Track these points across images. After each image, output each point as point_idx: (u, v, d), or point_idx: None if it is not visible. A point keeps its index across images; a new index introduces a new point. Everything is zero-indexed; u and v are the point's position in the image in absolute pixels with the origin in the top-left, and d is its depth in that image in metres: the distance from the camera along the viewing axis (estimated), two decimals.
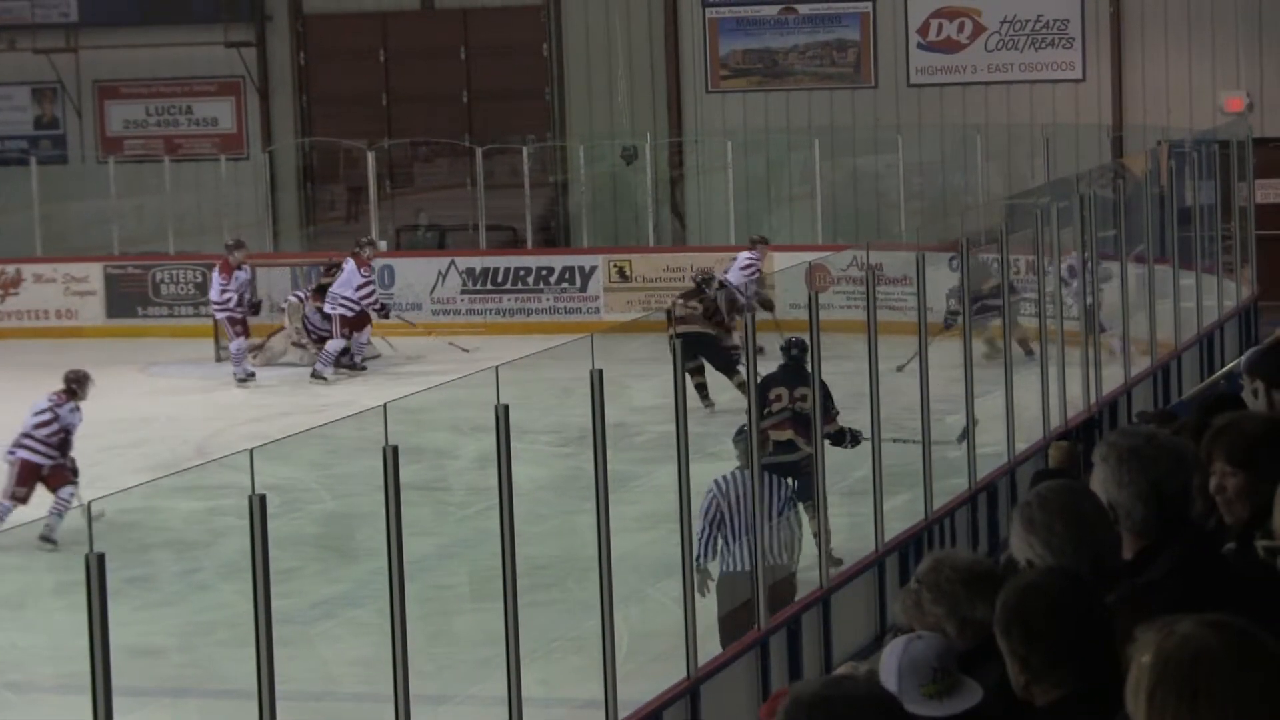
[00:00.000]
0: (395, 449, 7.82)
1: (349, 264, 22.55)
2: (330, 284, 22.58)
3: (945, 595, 4.80)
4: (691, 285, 20.65)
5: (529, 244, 26.09)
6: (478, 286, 25.10)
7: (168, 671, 12.00)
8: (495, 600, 8.76)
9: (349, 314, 22.34)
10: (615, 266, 24.95)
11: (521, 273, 25.09)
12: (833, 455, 12.48)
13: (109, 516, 13.64)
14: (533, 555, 10.42)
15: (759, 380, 12.20)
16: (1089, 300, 16.74)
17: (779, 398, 13.04)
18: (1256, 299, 21.44)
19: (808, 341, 12.18)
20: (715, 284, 20.49)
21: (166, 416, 20.02)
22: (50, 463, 15.19)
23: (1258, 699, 2.76)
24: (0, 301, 26.09)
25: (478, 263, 25.24)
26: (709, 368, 18.54)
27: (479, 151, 26.37)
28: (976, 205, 24.08)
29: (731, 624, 10.88)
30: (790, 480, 11.70)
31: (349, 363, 22.45)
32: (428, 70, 27.89)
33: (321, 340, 22.59)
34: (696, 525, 10.96)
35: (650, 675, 10.20)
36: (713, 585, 11.06)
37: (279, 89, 28.65)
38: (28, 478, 15.15)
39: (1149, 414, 12.59)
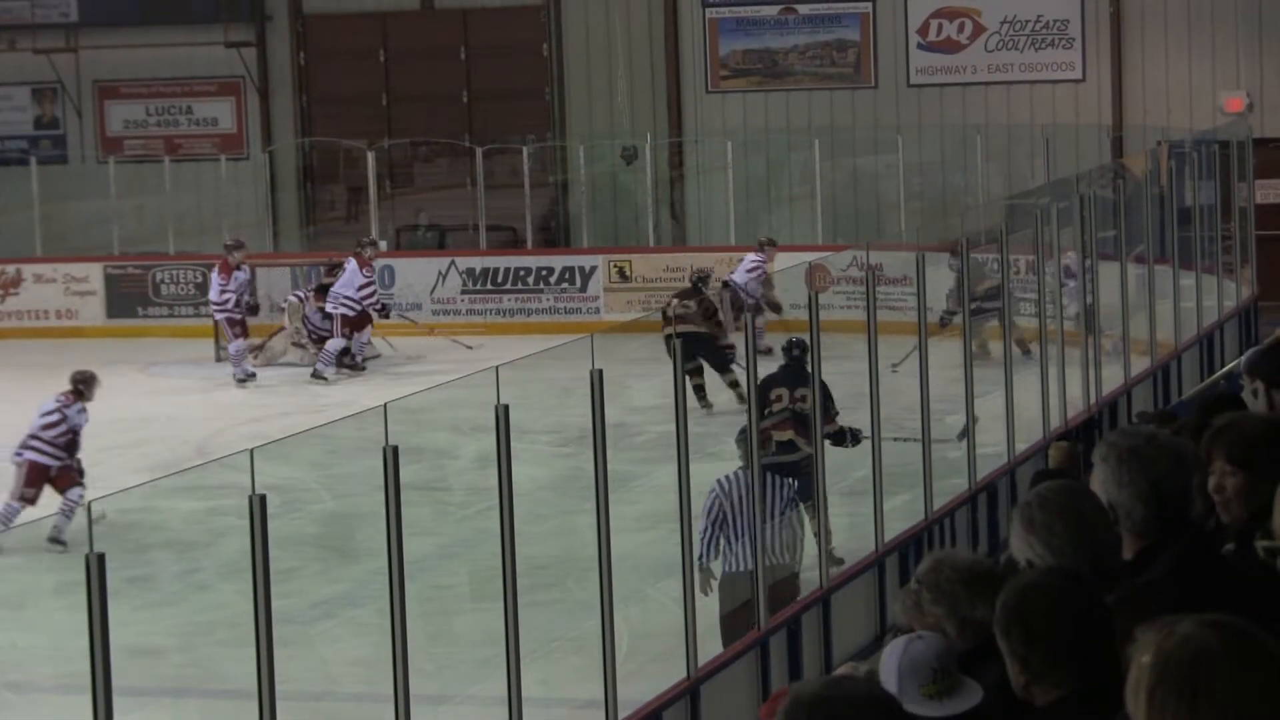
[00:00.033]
0: (395, 449, 7.83)
1: (351, 263, 22.56)
2: (333, 284, 22.59)
3: (945, 595, 4.80)
4: (688, 285, 20.67)
5: (529, 244, 26.09)
6: (478, 287, 25.10)
7: (168, 671, 12.00)
8: (495, 600, 8.76)
9: (351, 313, 22.35)
10: (615, 267, 24.96)
11: (521, 273, 25.09)
12: (833, 455, 12.48)
13: (110, 518, 13.66)
14: (533, 555, 10.42)
15: (760, 380, 12.21)
16: (1089, 300, 16.74)
17: (779, 398, 13.04)
18: (1256, 299, 21.44)
19: (808, 342, 12.18)
20: (719, 284, 20.50)
21: (166, 417, 20.02)
22: (58, 464, 15.16)
23: (1258, 699, 2.76)
24: (0, 301, 26.09)
25: (478, 263, 25.24)
26: (707, 369, 18.54)
27: (479, 151, 26.37)
28: (976, 205, 24.08)
29: (733, 623, 10.88)
30: (791, 480, 11.70)
31: (350, 363, 22.45)
32: (428, 70, 27.89)
33: (321, 340, 22.59)
34: (699, 525, 10.96)
35: (650, 675, 10.20)
36: (715, 584, 11.06)
37: (279, 89, 28.65)
38: (36, 479, 15.11)
39: (1149, 414, 12.59)
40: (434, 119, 27.82)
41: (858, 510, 12.72)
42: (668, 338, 18.41)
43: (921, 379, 12.99)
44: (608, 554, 9.35)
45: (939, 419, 13.47)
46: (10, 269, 26.16)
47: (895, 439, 12.88)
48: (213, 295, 22.50)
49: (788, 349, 13.49)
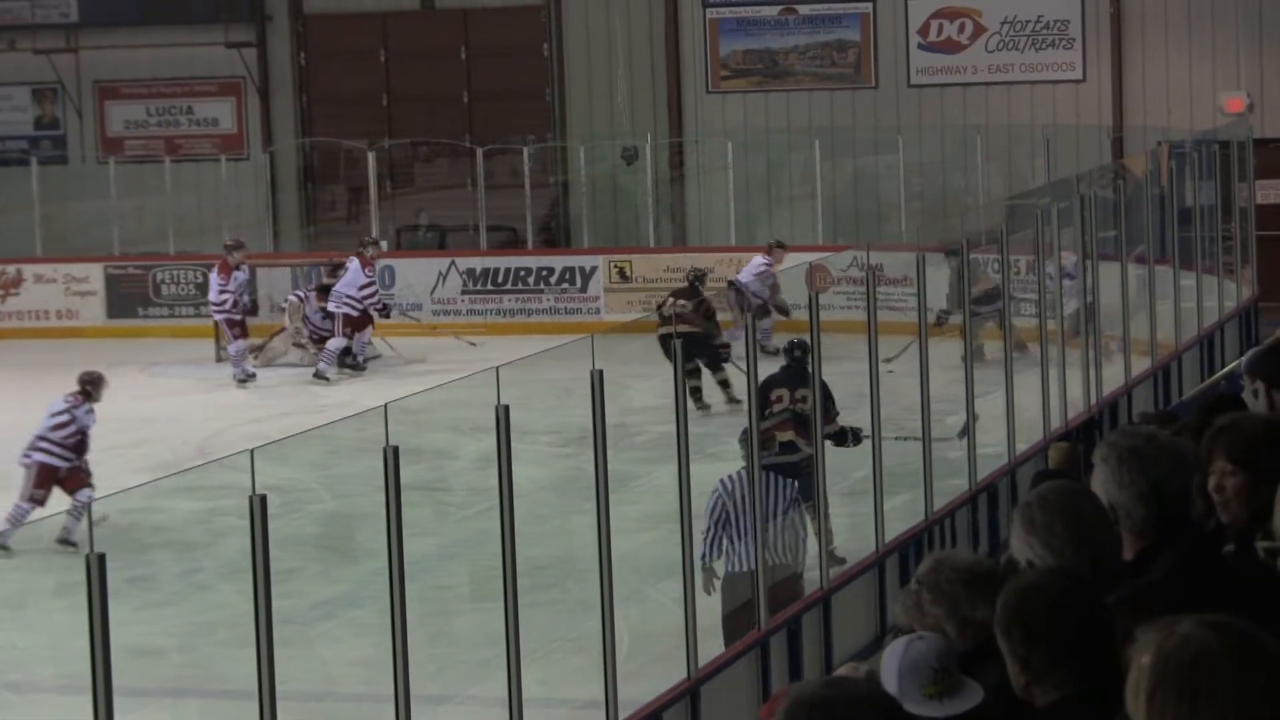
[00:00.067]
0: (396, 449, 7.82)
1: (353, 263, 22.58)
2: (335, 284, 22.61)
3: (945, 596, 4.80)
4: (685, 284, 20.67)
5: (529, 244, 26.09)
6: (478, 287, 25.11)
7: (168, 672, 12.00)
8: (495, 601, 8.76)
9: (353, 313, 22.36)
10: (615, 267, 24.96)
11: (522, 273, 25.10)
12: (833, 456, 12.48)
13: (111, 519, 13.66)
14: (533, 556, 10.42)
15: (761, 381, 12.21)
16: (1089, 300, 16.74)
17: (780, 398, 13.04)
18: (1257, 300, 21.44)
19: (809, 342, 12.18)
20: (725, 284, 20.51)
21: (167, 417, 20.02)
22: (67, 465, 15.12)
23: (1258, 699, 2.76)
24: (1, 302, 26.10)
25: (478, 263, 25.25)
26: (704, 371, 18.53)
27: (479, 152, 26.37)
28: (977, 206, 24.07)
29: (735, 623, 10.88)
30: (793, 481, 11.70)
31: (351, 363, 22.46)
32: (428, 70, 27.89)
33: (322, 340, 22.60)
34: (702, 524, 10.97)
35: (651, 676, 10.20)
36: (718, 584, 11.06)
37: (279, 89, 28.65)
38: (45, 480, 15.07)
39: (1151, 415, 12.59)
40: (434, 119, 27.83)
41: (858, 510, 12.72)
42: (662, 336, 18.44)
43: (922, 379, 12.99)
44: (608, 554, 9.35)
45: (939, 419, 13.47)
46: (11, 269, 26.16)
47: (896, 438, 12.88)
48: (212, 296, 22.51)
49: (789, 350, 13.50)
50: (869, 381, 12.37)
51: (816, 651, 11.13)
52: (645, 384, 17.50)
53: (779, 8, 26.81)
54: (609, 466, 9.34)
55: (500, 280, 25.10)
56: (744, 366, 11.91)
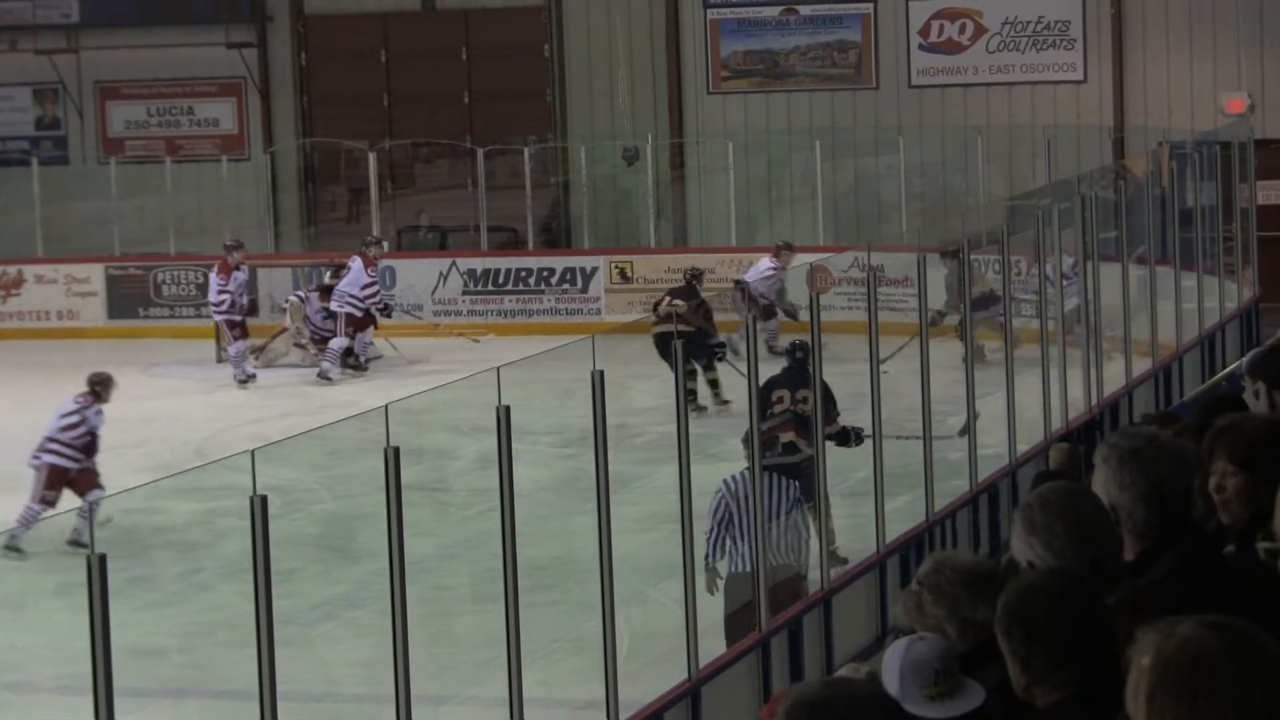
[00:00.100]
0: (396, 450, 7.82)
1: (356, 262, 22.60)
2: (337, 285, 22.63)
3: (946, 597, 4.80)
4: (682, 283, 20.65)
5: (530, 245, 26.09)
6: (479, 287, 25.11)
7: (168, 672, 12.00)
8: (496, 601, 8.76)
9: (356, 313, 22.38)
10: (616, 268, 24.96)
11: (523, 274, 25.10)
12: (834, 457, 12.48)
13: (116, 520, 13.67)
14: (534, 556, 10.42)
15: (763, 382, 12.21)
16: (1087, 299, 16.74)
17: (780, 399, 13.04)
18: (1258, 300, 21.44)
19: (810, 343, 12.18)
20: (732, 284, 20.51)
21: (167, 417, 20.02)
22: (77, 466, 15.09)
23: (1259, 700, 2.76)
24: (2, 302, 26.10)
25: (479, 264, 25.25)
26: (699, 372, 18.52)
27: (480, 152, 26.38)
28: (978, 207, 24.07)
29: (738, 623, 10.88)
30: (795, 481, 11.70)
31: (353, 363, 22.47)
32: (429, 71, 27.89)
33: (323, 341, 22.61)
34: (705, 525, 10.97)
35: (651, 676, 10.21)
36: (721, 584, 11.06)
37: (280, 90, 28.65)
38: (56, 481, 15.03)
39: (1152, 415, 12.59)
40: (435, 120, 27.83)
41: (859, 511, 12.72)
42: (657, 335, 18.45)
43: (923, 379, 12.99)
44: (609, 555, 9.35)
45: (940, 420, 13.47)
46: (12, 270, 26.17)
47: (897, 437, 12.89)
48: (211, 296, 22.53)
49: (790, 351, 13.51)
50: (870, 382, 12.37)
51: (817, 652, 11.12)
52: (646, 385, 17.50)
53: (780, 8, 26.81)
54: (610, 467, 9.34)
55: (501, 281, 25.10)
56: (743, 368, 11.91)
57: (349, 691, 11.58)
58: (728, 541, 11.06)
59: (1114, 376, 16.59)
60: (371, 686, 10.57)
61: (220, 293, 22.21)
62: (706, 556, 10.98)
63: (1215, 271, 20.43)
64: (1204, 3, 25.34)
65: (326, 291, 22.76)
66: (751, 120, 26.81)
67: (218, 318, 22.41)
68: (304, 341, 22.99)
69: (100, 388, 15.46)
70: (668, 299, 19.86)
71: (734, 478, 11.11)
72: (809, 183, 25.62)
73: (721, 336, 18.82)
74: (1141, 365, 17.34)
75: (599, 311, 24.60)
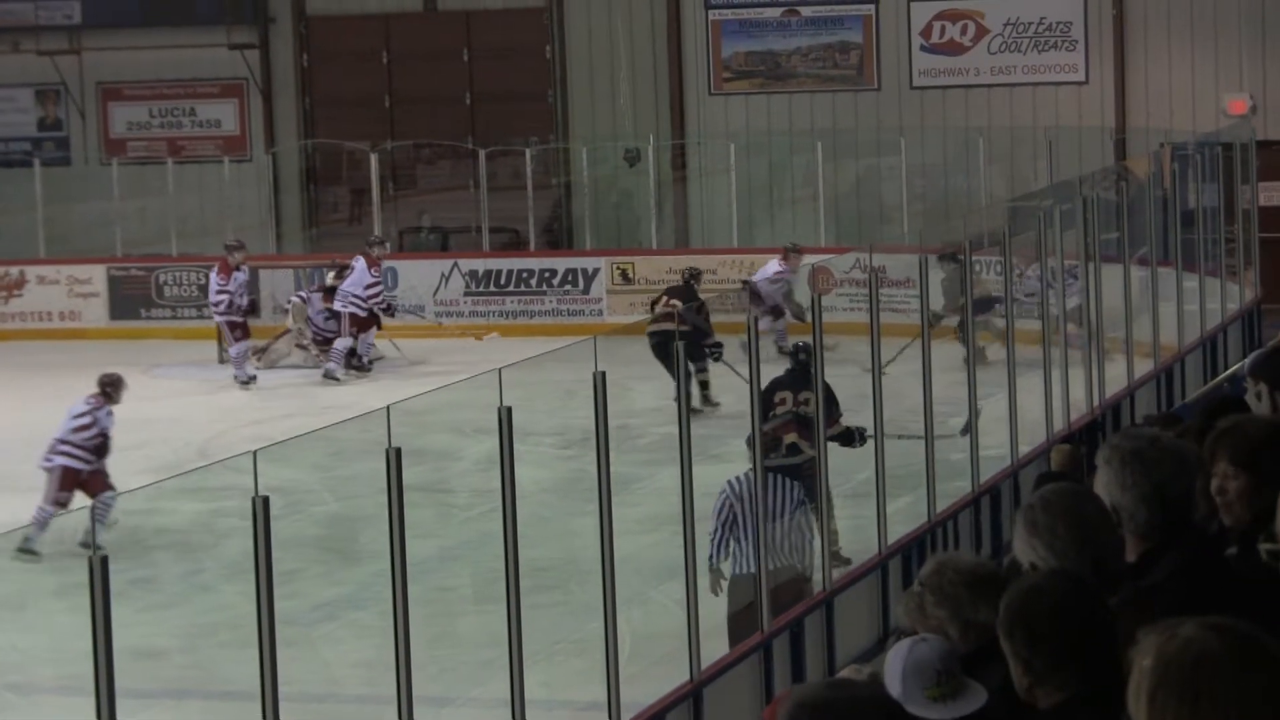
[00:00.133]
0: (398, 451, 7.82)
1: (359, 262, 22.62)
2: (341, 285, 22.65)
3: (948, 598, 4.80)
4: (680, 282, 20.63)
5: (532, 246, 26.10)
6: (481, 288, 25.11)
7: (170, 673, 12.00)
8: (498, 602, 8.76)
9: (360, 313, 22.38)
10: (618, 269, 24.97)
11: (524, 275, 25.10)
12: (836, 458, 12.48)
13: (121, 522, 13.68)
14: (535, 557, 10.42)
15: (766, 384, 12.21)
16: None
17: (783, 401, 13.04)
18: (1260, 302, 21.43)
19: (812, 344, 12.19)
20: (740, 285, 20.50)
21: (169, 418, 20.02)
22: (88, 468, 15.04)
23: (1260, 701, 2.76)
24: (4, 303, 26.11)
25: (480, 265, 25.26)
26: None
27: (482, 153, 26.38)
28: (979, 208, 24.07)
29: (741, 624, 10.87)
30: (798, 482, 11.70)
31: (356, 364, 22.48)
32: (430, 72, 27.90)
33: (326, 342, 22.62)
34: (709, 525, 10.97)
35: (653, 678, 10.21)
36: (725, 585, 11.06)
37: (282, 91, 28.66)
38: (68, 483, 14.97)
39: (1154, 417, 12.59)
40: (437, 121, 27.83)
41: (861, 513, 12.72)
42: (651, 334, 18.46)
43: (925, 380, 12.99)
44: (610, 556, 9.35)
45: (941, 421, 13.47)
46: (14, 270, 26.17)
47: (899, 436, 12.89)
48: (210, 296, 22.54)
49: (793, 353, 13.52)
50: (871, 383, 12.37)
51: (819, 654, 11.12)
52: (648, 386, 17.49)
53: (781, 9, 26.81)
54: (611, 468, 9.35)
55: (503, 282, 25.10)
56: (741, 369, 11.90)
57: (351, 692, 11.58)
58: (732, 543, 11.06)
59: (1116, 378, 16.58)
60: (373, 687, 10.57)
61: (219, 292, 22.21)
62: (711, 557, 10.98)
63: (1217, 273, 20.42)
64: (1206, 4, 25.34)
65: (330, 292, 22.77)
66: (753, 121, 26.81)
67: (217, 318, 22.43)
68: (306, 342, 22.99)
69: (111, 389, 15.44)
70: (665, 298, 19.86)
71: (738, 478, 11.11)
72: (810, 184, 25.61)
73: (719, 337, 18.80)
74: (1143, 366, 17.33)
75: (600, 313, 24.60)
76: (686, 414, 10.24)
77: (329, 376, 21.98)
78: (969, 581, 4.81)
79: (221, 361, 22.80)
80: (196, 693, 11.92)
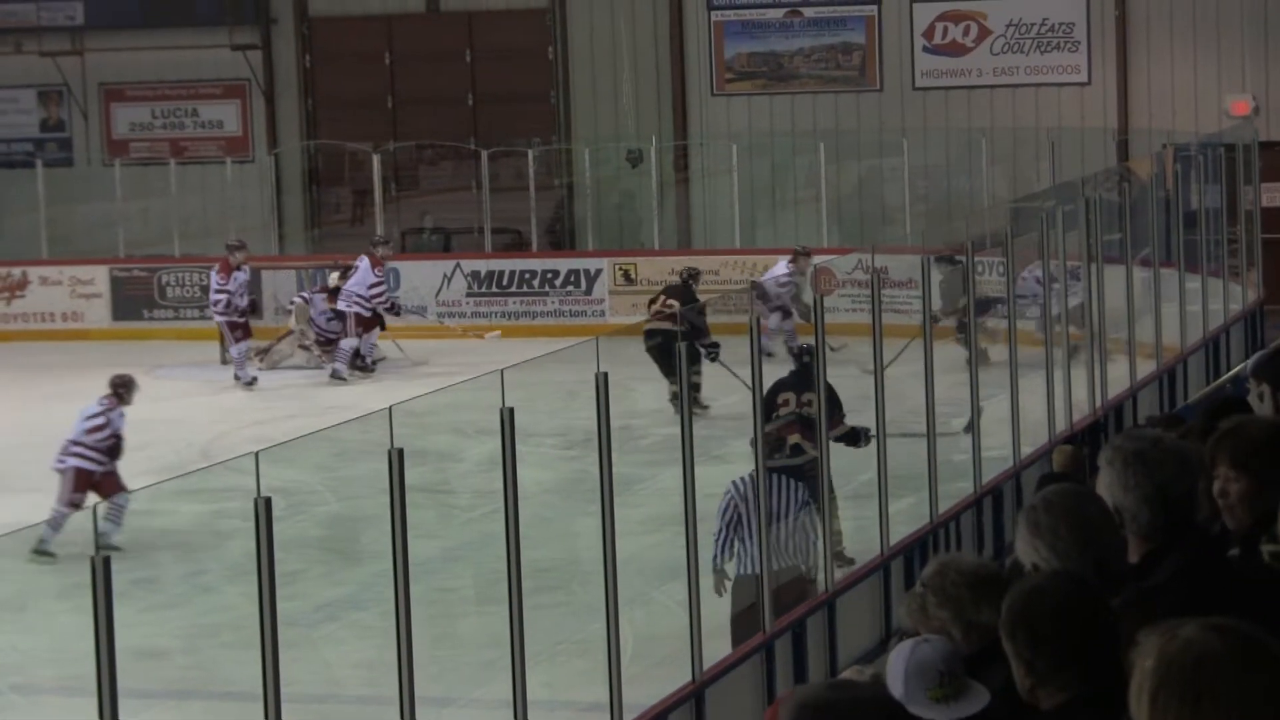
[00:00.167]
0: (400, 451, 7.82)
1: (363, 262, 22.63)
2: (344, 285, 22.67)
3: (950, 599, 4.80)
4: (678, 282, 20.60)
5: (534, 247, 26.11)
6: (483, 289, 25.12)
7: (172, 673, 12.00)
8: (500, 603, 8.76)
9: (364, 312, 22.39)
10: (620, 269, 24.97)
11: (527, 275, 25.11)
12: (839, 459, 12.48)
13: (123, 524, 13.65)
14: (537, 558, 10.42)
15: (770, 385, 12.21)
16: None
17: (786, 402, 13.04)
18: (1262, 303, 21.42)
19: (815, 345, 12.19)
20: (749, 284, 20.43)
21: (171, 419, 20.02)
22: (100, 469, 15.01)
23: (1261, 702, 2.76)
24: (6, 304, 26.12)
25: (483, 265, 25.26)
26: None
27: (484, 154, 26.39)
28: (982, 209, 24.06)
29: (745, 624, 10.87)
30: (802, 483, 11.70)
31: (360, 364, 22.48)
32: (433, 73, 27.90)
33: (328, 343, 22.63)
34: (713, 526, 10.97)
35: (655, 678, 10.21)
36: (729, 585, 11.06)
37: (284, 92, 28.67)
38: (82, 485, 14.92)
39: (1156, 418, 12.58)
40: (439, 122, 27.84)
41: (863, 513, 12.72)
42: (647, 333, 18.45)
43: (926, 380, 12.99)
44: (613, 557, 9.35)
45: (944, 421, 13.47)
46: (16, 271, 26.18)
47: (903, 435, 12.89)
48: (210, 295, 22.55)
49: (797, 355, 13.52)
50: (874, 384, 12.37)
51: (821, 654, 11.12)
52: (650, 387, 17.51)
53: (784, 10, 26.81)
54: (614, 469, 9.34)
55: (505, 283, 25.11)
56: (738, 370, 11.88)
57: (352, 693, 11.58)
58: (736, 543, 11.06)
59: (1118, 379, 16.57)
60: (375, 688, 10.58)
61: (218, 292, 22.21)
62: (715, 558, 10.97)
63: (1220, 274, 20.42)
64: (1208, 5, 25.33)
65: (334, 294, 22.78)
66: (755, 122, 26.81)
67: (217, 318, 22.43)
68: (309, 343, 23.00)
69: (123, 390, 15.41)
70: (663, 298, 19.85)
71: (743, 479, 11.10)
72: (813, 185, 25.61)
73: (715, 337, 18.79)
74: (1146, 367, 17.33)
75: (603, 313, 24.61)
76: (688, 415, 10.24)
77: (336, 376, 22.00)
78: (971, 582, 4.81)
79: (224, 362, 22.80)
80: (198, 693, 11.92)
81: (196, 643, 12.47)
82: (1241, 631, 2.81)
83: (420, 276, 25.07)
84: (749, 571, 10.98)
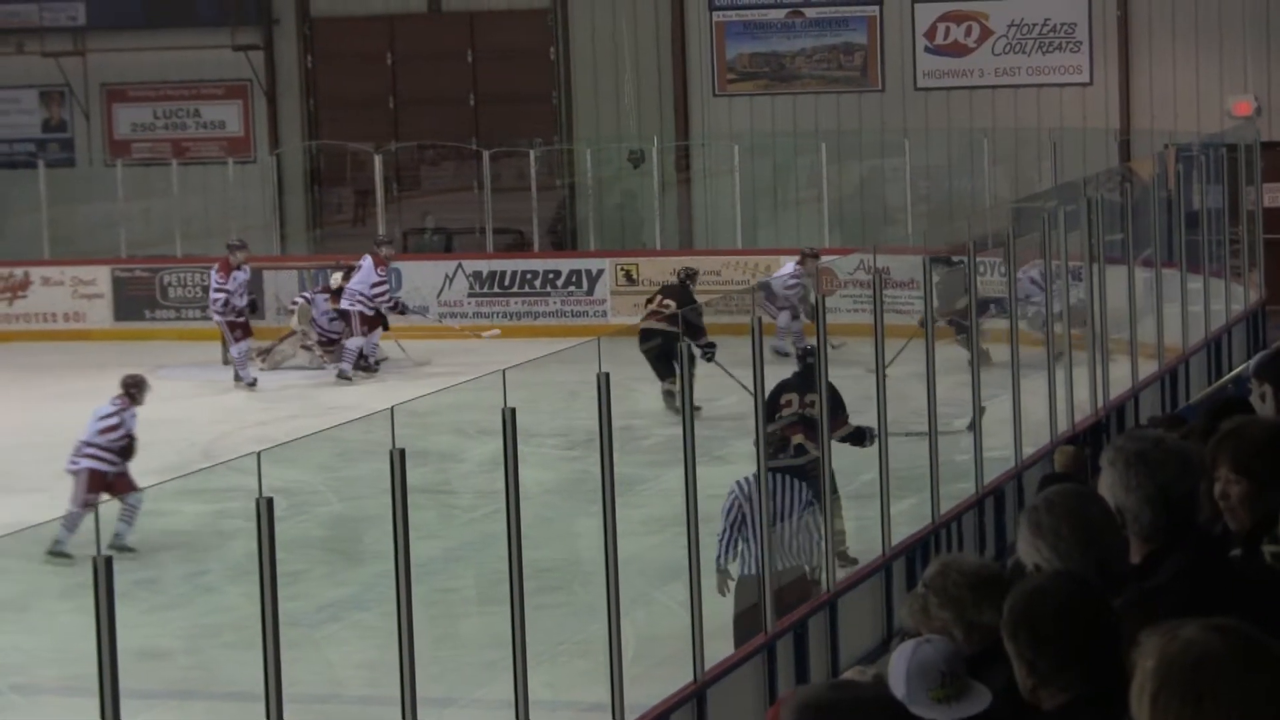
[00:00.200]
0: (402, 452, 7.82)
1: (366, 261, 22.65)
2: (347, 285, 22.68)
3: (952, 600, 4.80)
4: (675, 282, 20.58)
5: (536, 247, 26.11)
6: (485, 289, 25.12)
7: (174, 674, 12.01)
8: (501, 603, 8.77)
9: (368, 311, 22.40)
10: (622, 270, 24.97)
11: (528, 276, 25.11)
12: (841, 459, 12.48)
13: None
14: (539, 558, 10.43)
15: (774, 386, 12.22)
16: (1096, 303, 16.73)
17: (789, 403, 13.05)
18: (1264, 303, 21.42)
19: (817, 345, 12.19)
20: (756, 285, 20.45)
21: (173, 419, 20.01)
22: (113, 470, 15.01)
23: (1262, 702, 2.76)
24: (9, 304, 26.12)
25: (485, 266, 25.26)
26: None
27: (486, 155, 26.39)
28: (983, 209, 24.06)
29: (747, 624, 10.87)
30: (805, 482, 11.70)
31: (363, 364, 22.49)
32: (435, 73, 27.91)
33: (330, 343, 22.64)
34: (718, 526, 10.98)
35: (657, 679, 10.21)
36: (732, 585, 11.06)
37: (286, 92, 28.67)
38: (95, 486, 14.90)
39: (1158, 418, 12.58)
40: (441, 122, 27.84)
41: (865, 514, 12.72)
42: (642, 332, 18.43)
43: (929, 380, 12.99)
44: (614, 557, 9.35)
45: (946, 421, 13.47)
46: (18, 272, 26.18)
47: (906, 434, 12.89)
48: (210, 295, 22.57)
49: (801, 356, 13.53)
50: (876, 384, 12.37)
51: (823, 655, 11.12)
52: (652, 387, 17.51)
53: (785, 11, 26.81)
54: (615, 469, 9.34)
55: (507, 283, 25.11)
56: (732, 371, 11.88)
57: (354, 693, 11.58)
58: (740, 543, 11.06)
59: (1120, 379, 16.57)
60: (377, 688, 10.58)
61: (217, 291, 22.22)
62: (719, 558, 10.97)
63: (1221, 274, 20.41)
64: (1210, 5, 25.32)
65: (337, 294, 22.78)
66: (757, 123, 26.81)
67: (216, 318, 22.44)
68: (310, 344, 23.00)
69: (135, 390, 15.41)
70: (659, 298, 19.84)
71: (747, 479, 11.10)
72: (814, 185, 25.61)
73: (712, 338, 18.78)
74: (1148, 368, 17.33)
75: (605, 314, 24.61)
76: (690, 415, 10.24)
77: (342, 376, 22.01)
78: (973, 583, 4.81)
79: (226, 362, 22.80)
80: (200, 694, 11.93)
81: (198, 643, 12.47)
82: (1242, 632, 2.81)
83: (422, 277, 25.08)
84: (753, 571, 10.97)
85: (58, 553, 14.13)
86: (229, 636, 11.78)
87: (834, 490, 12.12)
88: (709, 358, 18.22)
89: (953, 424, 13.81)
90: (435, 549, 13.07)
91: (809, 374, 13.10)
